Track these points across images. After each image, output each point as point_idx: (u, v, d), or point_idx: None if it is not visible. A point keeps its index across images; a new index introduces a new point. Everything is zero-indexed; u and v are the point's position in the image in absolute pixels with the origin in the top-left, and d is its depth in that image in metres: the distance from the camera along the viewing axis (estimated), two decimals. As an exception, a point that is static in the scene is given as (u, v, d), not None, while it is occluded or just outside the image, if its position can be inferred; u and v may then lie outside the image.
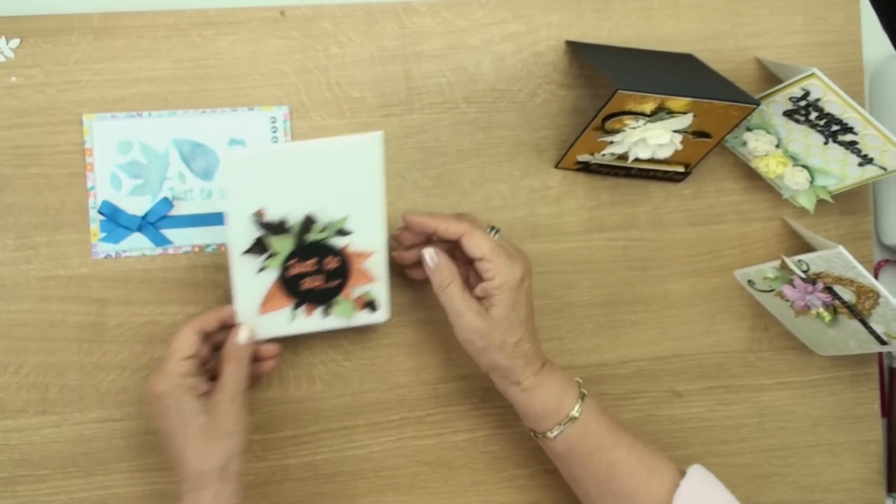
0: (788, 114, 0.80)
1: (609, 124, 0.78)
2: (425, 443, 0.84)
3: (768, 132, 0.83)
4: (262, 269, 0.76)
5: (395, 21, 0.84)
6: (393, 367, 0.83)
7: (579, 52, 0.84)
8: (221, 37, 0.82)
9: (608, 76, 0.76)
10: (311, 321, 0.78)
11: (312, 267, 0.77)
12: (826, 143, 0.80)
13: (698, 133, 0.79)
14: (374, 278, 0.78)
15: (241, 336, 0.74)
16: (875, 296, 0.76)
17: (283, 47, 0.82)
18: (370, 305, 0.79)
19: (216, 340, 0.76)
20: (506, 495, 0.85)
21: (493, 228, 0.78)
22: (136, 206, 0.81)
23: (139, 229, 0.80)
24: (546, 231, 0.85)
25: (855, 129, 0.78)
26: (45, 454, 0.80)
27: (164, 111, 0.81)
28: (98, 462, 0.81)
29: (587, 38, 0.85)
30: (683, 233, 0.87)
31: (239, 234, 0.74)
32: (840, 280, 0.77)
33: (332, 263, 0.77)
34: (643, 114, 0.76)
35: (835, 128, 0.79)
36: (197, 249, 0.81)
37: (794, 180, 0.83)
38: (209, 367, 0.75)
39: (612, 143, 0.79)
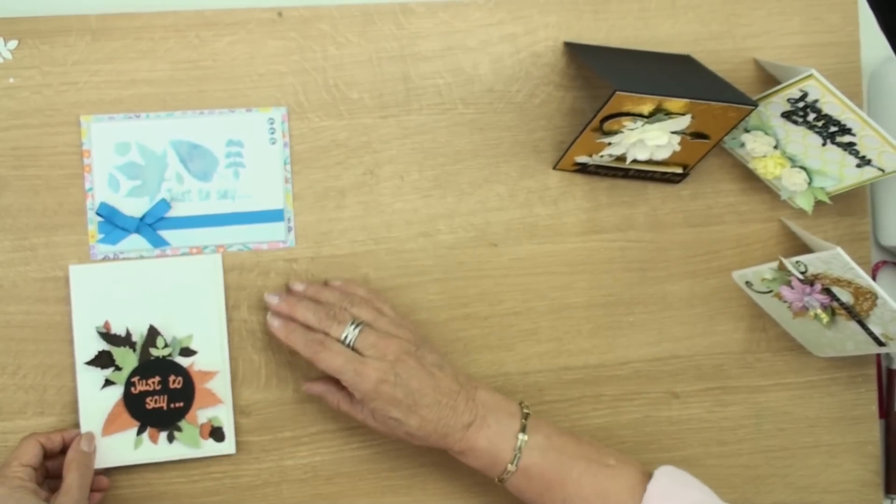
0: (786, 115, 0.80)
1: (607, 125, 0.78)
2: (423, 444, 0.84)
3: (766, 133, 0.83)
4: (106, 385, 0.79)
5: (392, 22, 0.84)
6: (391, 369, 0.83)
7: (577, 54, 0.84)
8: (219, 38, 0.82)
9: (606, 77, 0.76)
10: (157, 449, 0.80)
11: (156, 385, 0.79)
12: (824, 144, 0.80)
13: (696, 134, 0.79)
14: (220, 400, 0.80)
15: (85, 443, 0.76)
16: (873, 297, 0.76)
17: (280, 48, 0.82)
18: (216, 434, 0.80)
19: (53, 470, 0.77)
20: (505, 497, 0.84)
21: (355, 324, 0.75)
22: (134, 207, 0.81)
23: (137, 231, 0.80)
24: (544, 232, 0.85)
25: (853, 131, 0.78)
26: (43, 455, 0.80)
27: (161, 112, 0.81)
28: (96, 463, 0.81)
29: (585, 40, 0.85)
30: (681, 234, 0.87)
31: (84, 345, 0.79)
32: (838, 281, 0.77)
33: (176, 383, 0.79)
34: (641, 115, 0.76)
35: (833, 129, 0.79)
36: (195, 251, 0.81)
37: (792, 181, 0.83)
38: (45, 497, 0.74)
39: (610, 144, 0.79)
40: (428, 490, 0.84)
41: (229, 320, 0.81)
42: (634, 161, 0.80)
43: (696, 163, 0.83)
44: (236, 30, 0.82)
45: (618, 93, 0.73)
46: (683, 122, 0.77)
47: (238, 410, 0.81)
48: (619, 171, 0.84)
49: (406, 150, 0.84)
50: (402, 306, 0.83)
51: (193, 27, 0.81)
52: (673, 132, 0.77)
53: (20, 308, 0.80)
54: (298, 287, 0.79)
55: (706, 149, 0.81)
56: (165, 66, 0.81)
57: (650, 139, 0.77)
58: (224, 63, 0.82)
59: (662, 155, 0.79)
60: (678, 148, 0.79)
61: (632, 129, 0.77)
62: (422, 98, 0.84)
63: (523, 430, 0.74)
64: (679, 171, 0.84)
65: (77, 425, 0.80)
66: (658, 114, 0.76)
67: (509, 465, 0.74)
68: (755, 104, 0.76)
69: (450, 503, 0.84)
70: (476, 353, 0.84)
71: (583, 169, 0.84)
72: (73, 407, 0.80)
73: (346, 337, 0.74)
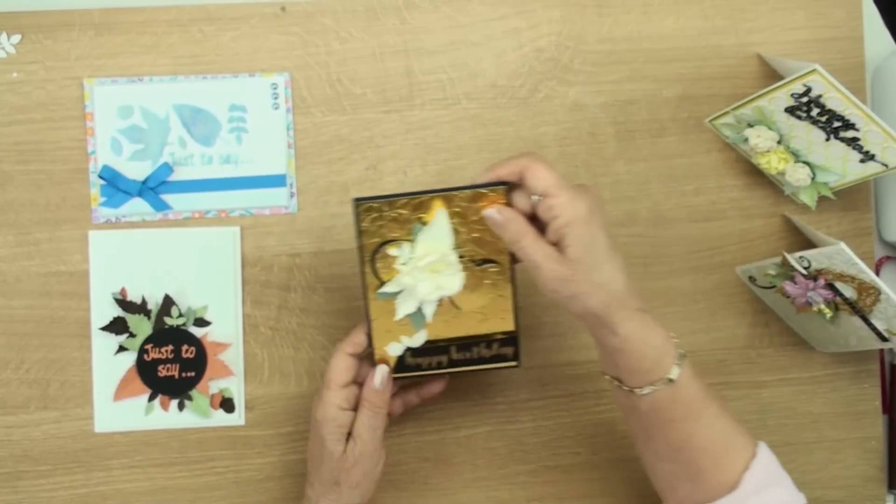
0: (790, 110, 0.80)
1: (381, 272, 0.71)
2: (426, 439, 0.84)
3: (770, 128, 0.83)
4: (120, 350, 0.80)
5: (396, 17, 0.83)
6: (394, 364, 0.84)
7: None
8: (222, 32, 0.82)
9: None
10: (168, 417, 0.81)
11: (169, 354, 0.80)
12: (828, 139, 0.80)
13: (484, 261, 0.72)
14: (232, 372, 0.81)
15: (378, 379, 0.74)
16: (876, 292, 0.76)
17: (283, 43, 0.82)
18: (226, 405, 0.81)
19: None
20: (507, 491, 0.85)
21: None
22: (137, 170, 0.81)
23: (139, 194, 0.81)
24: (547, 227, 0.85)
25: (856, 126, 0.78)
26: (47, 450, 0.80)
27: (164, 76, 0.81)
28: (99, 458, 0.81)
29: (588, 34, 0.85)
30: (684, 229, 0.87)
31: (100, 310, 0.79)
32: (841, 276, 0.77)
33: (188, 353, 0.80)
34: (404, 239, 0.70)
35: (836, 124, 0.78)
36: (197, 215, 0.81)
37: (795, 177, 0.83)
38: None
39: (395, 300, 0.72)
40: (430, 485, 0.84)
41: (232, 315, 0.81)
42: (452, 361, 0.75)
43: (519, 333, 0.75)
44: (239, 24, 0.82)
45: (359, 202, 0.68)
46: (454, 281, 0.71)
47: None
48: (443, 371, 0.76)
49: (409, 146, 0.84)
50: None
51: (196, 22, 0.81)
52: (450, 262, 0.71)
53: (23, 303, 0.80)
54: None
55: (507, 276, 0.73)
56: (168, 62, 0.81)
57: (421, 291, 0.71)
58: (227, 58, 0.82)
59: (433, 299, 0.72)
60: (456, 285, 0.72)
61: (403, 264, 0.71)
62: (425, 93, 0.84)
63: (681, 358, 0.68)
64: (510, 352, 0.76)
65: (82, 419, 0.80)
66: (414, 224, 0.70)
67: (670, 373, 0.67)
68: (505, 183, 0.67)
69: (451, 498, 0.85)
70: (479, 348, 0.84)
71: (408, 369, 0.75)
72: (77, 402, 0.80)
73: None
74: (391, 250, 0.70)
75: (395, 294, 0.72)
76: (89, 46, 0.80)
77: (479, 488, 0.85)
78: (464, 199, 0.69)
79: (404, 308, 0.73)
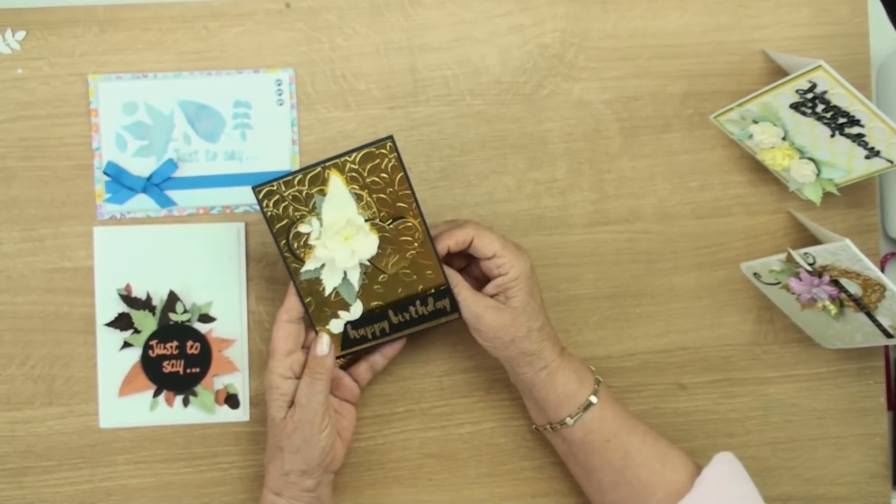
0: (795, 106, 0.80)
1: (300, 253, 0.73)
2: (430, 435, 0.84)
3: (775, 125, 0.83)
4: (125, 346, 0.80)
5: (400, 13, 0.83)
6: (398, 359, 0.83)
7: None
8: (226, 29, 0.82)
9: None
10: (172, 412, 0.81)
11: (174, 350, 0.80)
12: (832, 135, 0.80)
13: (393, 219, 0.73)
14: (237, 368, 0.81)
15: (321, 346, 0.75)
16: (881, 289, 0.76)
17: (288, 39, 0.82)
18: (231, 401, 0.81)
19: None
20: (511, 487, 0.85)
21: None
22: (141, 167, 0.81)
23: (144, 190, 0.81)
24: (551, 223, 0.85)
25: (861, 122, 0.78)
26: (52, 445, 0.81)
27: (169, 73, 0.81)
28: (104, 453, 0.81)
29: (593, 31, 0.85)
30: (689, 225, 0.87)
31: (105, 306, 0.79)
32: (846, 273, 0.77)
33: (193, 349, 0.80)
34: (308, 214, 0.72)
35: (841, 120, 0.78)
36: (202, 211, 0.81)
37: (800, 173, 0.83)
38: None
39: (319, 278, 0.74)
40: (433, 481, 0.84)
41: (237, 311, 0.81)
42: (394, 326, 0.76)
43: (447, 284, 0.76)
44: (244, 21, 0.82)
45: (254, 189, 0.70)
46: (369, 244, 0.73)
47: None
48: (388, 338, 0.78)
49: (413, 142, 0.84)
50: (410, 297, 0.83)
51: (201, 18, 0.81)
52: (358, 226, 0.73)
53: (28, 298, 0.80)
54: None
55: (421, 231, 0.74)
56: (173, 58, 0.81)
57: (339, 259, 0.72)
58: (232, 54, 0.82)
59: (350, 264, 0.73)
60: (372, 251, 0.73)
61: (317, 241, 0.72)
62: (429, 89, 0.84)
63: (598, 382, 0.78)
64: (446, 305, 0.77)
65: (87, 415, 0.80)
66: (317, 197, 0.71)
67: (592, 395, 0.76)
68: (389, 137, 0.70)
69: (455, 494, 0.85)
70: (483, 344, 0.84)
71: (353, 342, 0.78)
72: (82, 397, 0.80)
73: None
74: (302, 228, 0.72)
75: (319, 270, 0.74)
76: (94, 43, 0.81)
77: (484, 484, 0.85)
78: (355, 163, 0.71)
79: (330, 281, 0.74)
